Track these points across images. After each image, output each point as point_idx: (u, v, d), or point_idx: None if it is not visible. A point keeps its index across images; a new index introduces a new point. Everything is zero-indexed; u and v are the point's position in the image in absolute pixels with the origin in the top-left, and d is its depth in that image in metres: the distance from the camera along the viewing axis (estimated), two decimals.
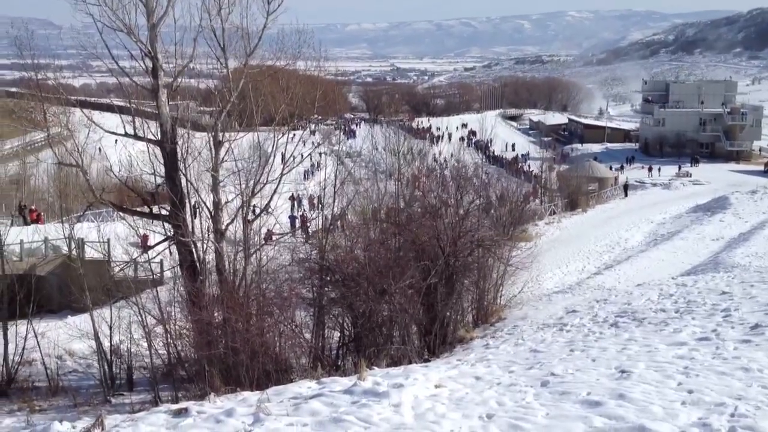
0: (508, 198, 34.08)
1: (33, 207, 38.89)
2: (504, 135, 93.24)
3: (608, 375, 8.19)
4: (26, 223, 35.00)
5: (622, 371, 8.24)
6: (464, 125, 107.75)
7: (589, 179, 57.71)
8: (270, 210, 18.06)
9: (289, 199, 46.09)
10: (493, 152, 79.69)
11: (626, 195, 57.94)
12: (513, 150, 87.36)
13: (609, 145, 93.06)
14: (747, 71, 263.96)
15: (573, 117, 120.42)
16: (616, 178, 63.30)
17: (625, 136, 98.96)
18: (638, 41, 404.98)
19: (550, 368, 9.10)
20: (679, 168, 69.95)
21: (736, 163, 78.48)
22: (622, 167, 72.95)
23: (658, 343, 10.18)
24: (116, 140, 26.49)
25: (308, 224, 32.15)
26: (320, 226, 18.82)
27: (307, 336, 15.60)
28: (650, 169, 69.96)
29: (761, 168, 73.04)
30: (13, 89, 54.91)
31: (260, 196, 17.52)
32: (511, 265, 20.65)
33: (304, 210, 46.33)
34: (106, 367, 17.24)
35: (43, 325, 19.72)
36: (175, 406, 8.70)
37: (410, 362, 13.11)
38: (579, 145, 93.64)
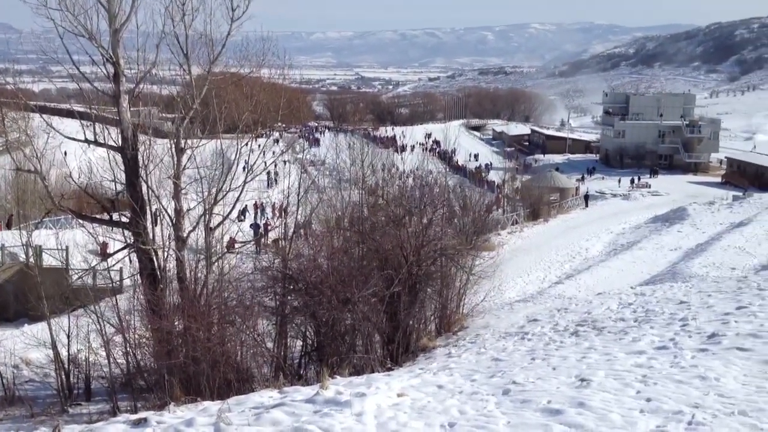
0: (471, 207, 34.27)
1: (12, 213, 38.13)
2: (467, 145, 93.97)
3: (568, 383, 8.27)
4: None
5: (582, 379, 8.32)
6: (428, 135, 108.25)
7: (551, 189, 58.40)
8: (233, 219, 17.94)
9: (253, 206, 45.83)
10: (457, 162, 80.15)
11: (587, 205, 58.76)
12: (476, 160, 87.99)
13: (570, 156, 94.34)
14: (705, 84, 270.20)
15: (535, 128, 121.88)
16: (577, 189, 64.13)
17: (586, 147, 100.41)
18: (600, 54, 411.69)
19: (511, 377, 9.17)
20: (638, 179, 71.09)
21: (694, 174, 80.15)
22: (583, 178, 73.92)
23: (617, 351, 10.32)
24: (65, 152, 26.09)
25: (270, 231, 32.01)
26: (283, 235, 18.73)
27: (270, 345, 15.49)
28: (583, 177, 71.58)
29: (718, 180, 74.71)
30: None
31: (223, 204, 17.38)
32: (474, 274, 20.75)
33: (267, 218, 46.11)
34: (63, 376, 16.89)
35: None
36: (134, 417, 8.56)
37: (373, 371, 13.10)
38: (541, 156, 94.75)
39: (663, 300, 15.89)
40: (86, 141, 16.57)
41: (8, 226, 36.55)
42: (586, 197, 60.25)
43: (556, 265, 35.62)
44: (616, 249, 39.28)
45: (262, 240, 33.99)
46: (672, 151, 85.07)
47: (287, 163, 53.80)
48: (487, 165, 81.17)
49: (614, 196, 64.31)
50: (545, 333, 14.11)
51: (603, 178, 74.81)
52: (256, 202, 44.50)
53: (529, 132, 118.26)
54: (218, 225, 17.24)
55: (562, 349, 11.56)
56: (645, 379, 8.15)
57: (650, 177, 74.05)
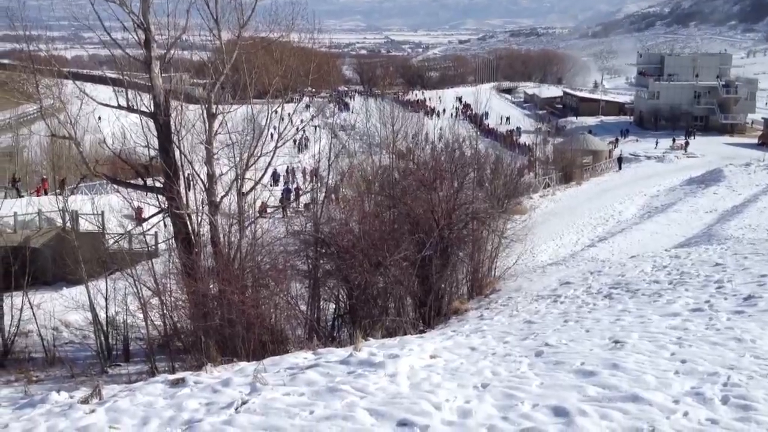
0: (502, 171, 34.05)
1: (45, 177, 38.71)
2: (498, 108, 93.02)
3: (602, 345, 8.25)
4: (19, 196, 34.90)
5: (616, 341, 8.29)
6: (459, 98, 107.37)
7: (584, 152, 57.67)
8: (265, 184, 18.04)
9: (285, 172, 46.01)
10: (488, 125, 79.47)
11: (620, 168, 57.97)
12: (507, 123, 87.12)
13: (604, 118, 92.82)
14: (742, 44, 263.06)
15: (568, 90, 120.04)
16: (610, 151, 63.25)
17: (619, 109, 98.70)
18: (634, 13, 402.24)
19: (544, 339, 9.17)
20: (674, 140, 69.93)
21: (730, 135, 78.38)
22: (616, 140, 72.84)
23: (651, 314, 10.26)
24: (99, 117, 26.23)
25: (301, 196, 32.17)
26: (315, 199, 18.82)
27: (303, 308, 15.66)
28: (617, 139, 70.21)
29: (755, 141, 73.01)
30: (5, 61, 54.30)
31: (254, 169, 17.49)
32: (506, 238, 20.70)
33: (298, 183, 46.28)
34: (102, 338, 17.32)
35: (38, 297, 19.76)
36: (172, 377, 8.73)
37: (405, 333, 13.18)
38: (574, 119, 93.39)
39: (698, 262, 15.72)
40: (119, 107, 16.73)
41: (13, 185, 37.10)
42: (620, 160, 59.41)
43: (589, 228, 35.33)
44: (650, 211, 38.82)
45: (294, 204, 34.21)
46: (707, 112, 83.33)
47: (317, 128, 53.87)
48: (518, 128, 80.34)
49: (648, 158, 63.31)
50: (578, 296, 14.05)
51: (637, 140, 73.58)
52: (287, 167, 44.62)
53: (561, 94, 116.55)
54: (250, 190, 17.37)
55: (596, 312, 11.52)
56: (680, 341, 8.10)
57: (686, 139, 72.72)
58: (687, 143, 67.22)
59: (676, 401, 5.86)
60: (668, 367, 6.95)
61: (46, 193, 34.31)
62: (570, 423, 5.47)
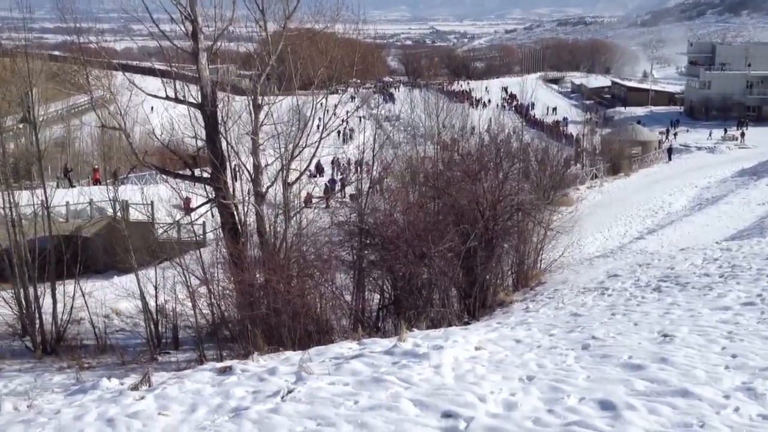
0: (548, 162, 33.70)
1: (96, 167, 39.51)
2: (545, 98, 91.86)
3: (650, 339, 8.12)
4: (71, 186, 35.68)
5: (665, 335, 8.15)
6: (504, 89, 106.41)
7: (632, 143, 56.63)
8: (310, 174, 18.14)
9: (331, 163, 46.20)
10: (534, 116, 78.62)
11: (670, 159, 56.87)
12: (554, 113, 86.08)
13: (653, 108, 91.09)
14: None
15: (616, 80, 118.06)
16: (659, 142, 62.05)
17: (669, 99, 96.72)
18: (684, 2, 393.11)
19: (591, 332, 9.06)
20: (725, 131, 68.32)
21: None
22: (667, 131, 71.43)
23: (701, 307, 10.06)
24: (152, 107, 26.53)
25: (346, 187, 32.29)
26: (359, 190, 18.86)
27: (348, 298, 15.74)
28: (667, 131, 68.65)
29: None
30: (57, 53, 55.49)
31: (299, 160, 17.61)
32: (552, 229, 20.49)
33: (343, 174, 46.43)
34: (152, 326, 17.64)
35: (89, 285, 20.19)
36: (219, 365, 8.86)
37: (450, 325, 13.16)
38: (622, 109, 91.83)
39: (750, 255, 15.33)
40: (167, 98, 16.97)
41: (65, 175, 37.84)
42: (670, 150, 58.24)
43: (637, 220, 34.74)
44: (700, 203, 38.01)
45: (338, 195, 34.34)
46: (760, 102, 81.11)
47: (362, 119, 53.97)
48: (565, 118, 79.29)
49: (699, 149, 61.96)
50: (626, 288, 13.84)
51: (687, 130, 72.03)
52: (332, 158, 44.82)
53: (609, 84, 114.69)
54: (295, 180, 17.49)
55: (644, 305, 11.34)
56: (730, 335, 7.93)
57: (737, 129, 70.92)
58: (743, 134, 65.46)
59: (727, 396, 5.74)
60: (718, 362, 6.81)
61: (97, 183, 35.01)
62: (617, 417, 5.39)
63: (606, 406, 5.68)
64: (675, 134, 69.20)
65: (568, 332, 9.36)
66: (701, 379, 6.19)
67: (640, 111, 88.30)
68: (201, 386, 7.59)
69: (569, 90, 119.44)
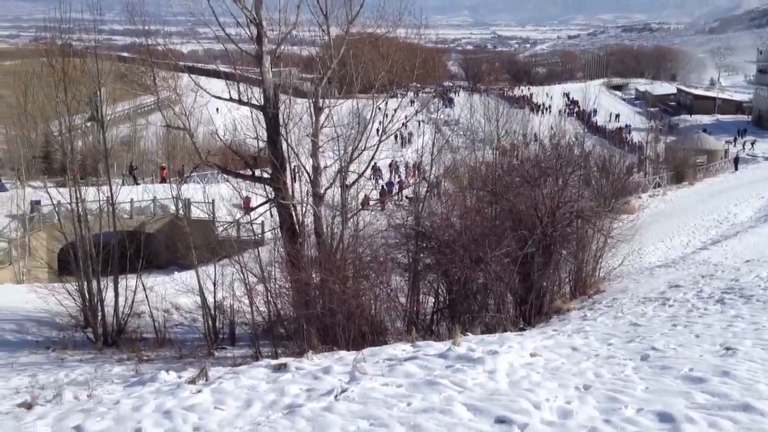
0: (610, 169, 33.12)
1: (163, 165, 40.50)
2: (608, 105, 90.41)
3: (712, 351, 7.91)
4: (136, 183, 36.62)
5: (727, 348, 7.93)
6: (566, 94, 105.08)
7: (698, 151, 55.31)
8: (368, 177, 18.21)
9: (389, 166, 46.34)
10: (596, 122, 77.43)
11: (736, 169, 55.32)
12: (617, 120, 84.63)
13: (720, 116, 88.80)
14: None
15: (682, 87, 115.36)
16: (726, 151, 60.41)
17: (737, 107, 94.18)
18: (754, 9, 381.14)
19: (650, 342, 8.86)
20: None
21: None
22: (735, 140, 69.51)
23: (766, 321, 9.75)
24: (216, 108, 26.93)
25: (404, 190, 32.33)
26: (417, 193, 18.86)
27: (402, 300, 15.74)
28: (744, 144, 66.77)
29: None
30: (125, 54, 57.05)
31: (358, 162, 17.71)
32: (612, 237, 20.14)
33: (401, 177, 46.51)
34: (210, 321, 17.96)
35: (151, 280, 20.67)
36: (275, 362, 8.96)
37: (505, 330, 13.04)
38: (688, 116, 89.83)
39: None
40: (231, 99, 17.25)
41: (130, 173, 38.75)
42: (736, 160, 56.68)
43: (701, 230, 33.84)
44: (767, 215, 36.84)
45: (395, 198, 34.42)
46: None
47: (421, 122, 53.96)
48: (628, 125, 77.86)
49: (766, 159, 60.13)
50: (688, 300, 13.51)
51: (755, 140, 69.94)
52: (391, 161, 44.95)
53: (675, 91, 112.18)
54: (354, 182, 17.59)
55: (706, 317, 11.05)
56: None
57: None
58: None
59: None
60: None
61: (163, 181, 35.84)
62: (676, 430, 5.27)
63: (665, 418, 5.55)
64: (753, 143, 67.06)
65: (627, 342, 9.18)
66: (764, 394, 6.00)
67: (706, 119, 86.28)
68: (256, 382, 7.69)
69: (633, 97, 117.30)
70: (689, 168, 51.57)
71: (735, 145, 65.61)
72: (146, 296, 19.30)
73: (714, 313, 11.44)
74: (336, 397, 6.80)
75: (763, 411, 5.52)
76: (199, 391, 7.40)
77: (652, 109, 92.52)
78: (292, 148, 17.41)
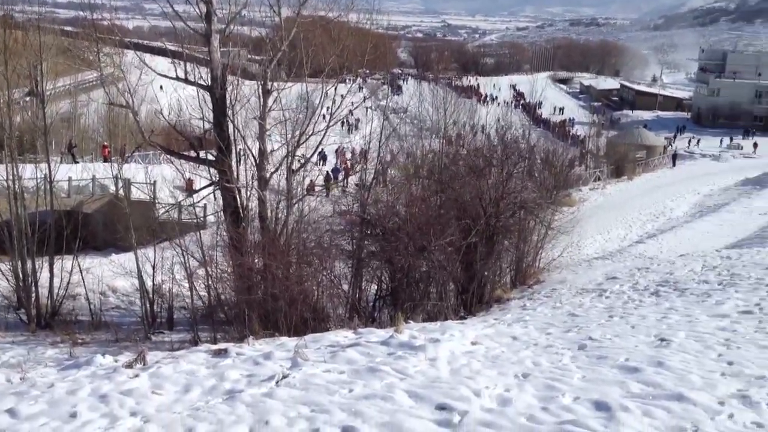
0: (553, 161, 33.67)
1: (105, 144, 39.41)
2: (553, 98, 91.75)
3: (647, 342, 8.12)
4: (75, 161, 35.65)
5: (662, 339, 8.16)
6: (513, 86, 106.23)
7: (638, 147, 56.58)
8: (314, 162, 18.08)
9: (334, 152, 46.14)
10: (541, 115, 78.51)
11: (674, 165, 56.83)
12: (561, 113, 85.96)
13: (660, 113, 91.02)
14: None
15: (625, 83, 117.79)
16: (665, 147, 61.97)
17: (677, 104, 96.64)
18: (698, 8, 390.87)
19: (588, 332, 9.06)
20: (730, 140, 68.23)
21: None
22: (675, 137, 71.34)
23: (699, 314, 10.06)
24: (161, 86, 26.42)
25: (349, 176, 32.25)
26: (363, 180, 18.84)
27: (345, 287, 15.74)
28: (689, 141, 68.69)
29: None
30: (68, 28, 55.29)
31: (305, 147, 17.58)
32: (552, 229, 20.50)
33: (347, 163, 46.37)
34: (147, 305, 17.68)
35: (87, 261, 20.23)
36: (214, 347, 8.88)
37: (446, 319, 13.17)
38: (629, 112, 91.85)
39: (750, 264, 15.35)
40: (177, 79, 16.91)
41: (69, 150, 37.77)
42: (674, 156, 58.23)
43: (638, 224, 34.74)
44: (702, 210, 37.98)
45: (341, 185, 34.31)
46: None
47: (369, 109, 53.87)
48: (571, 119, 79.18)
49: (704, 156, 61.95)
50: (624, 291, 13.86)
51: (693, 137, 71.95)
52: (337, 147, 44.75)
53: (618, 87, 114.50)
54: (300, 167, 17.47)
55: (642, 309, 11.35)
56: (727, 342, 7.94)
57: (743, 138, 70.80)
58: (756, 144, 65.12)
59: (722, 403, 5.73)
60: (714, 368, 6.81)
61: (105, 160, 34.98)
62: (611, 418, 5.39)
63: (601, 406, 5.68)
64: (698, 142, 68.69)
65: (565, 332, 9.37)
66: (697, 385, 6.19)
67: (647, 115, 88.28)
68: (195, 367, 7.60)
69: (578, 91, 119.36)
70: (629, 163, 52.71)
71: (673, 143, 67.29)
72: (82, 278, 18.88)
73: (649, 305, 11.76)
74: (277, 383, 6.76)
75: (696, 401, 5.70)
76: (137, 376, 7.27)
77: (596, 104, 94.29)
78: (238, 131, 17.17)
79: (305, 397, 6.28)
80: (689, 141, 69.08)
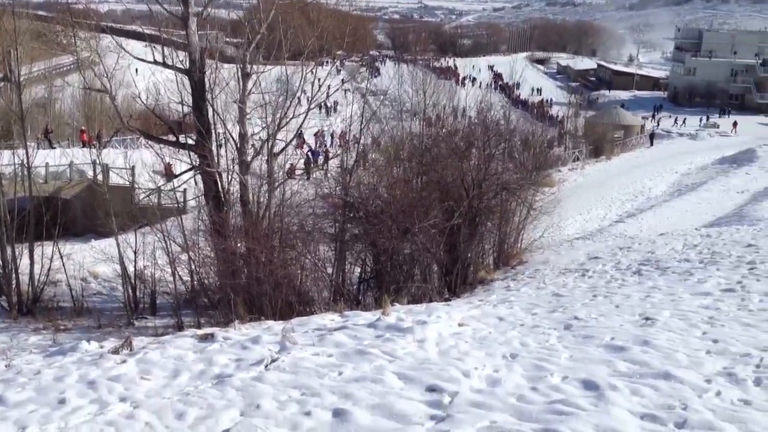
0: (532, 142, 33.74)
1: (83, 128, 38.90)
2: (531, 79, 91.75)
3: (632, 321, 8.20)
4: (51, 147, 35.23)
5: (647, 318, 8.23)
6: (490, 67, 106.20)
7: (615, 126, 56.94)
8: (295, 145, 17.98)
9: (314, 135, 45.94)
10: (519, 95, 78.62)
11: (652, 144, 57.27)
12: (539, 94, 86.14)
13: (637, 92, 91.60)
14: None
15: (602, 62, 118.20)
16: (642, 127, 62.39)
17: (654, 84, 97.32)
18: None
19: (573, 312, 9.13)
20: (707, 118, 68.81)
21: (765, 116, 76.90)
22: (653, 116, 71.79)
23: (682, 292, 10.16)
24: (136, 69, 26.10)
25: (330, 159, 32.10)
26: (344, 163, 18.77)
27: (329, 270, 15.72)
28: (676, 120, 68.95)
29: None
30: (42, 12, 54.30)
31: (286, 130, 17.47)
32: (534, 209, 20.59)
33: (326, 146, 46.20)
34: (130, 290, 17.57)
35: (68, 247, 20.02)
36: (200, 332, 8.82)
37: (430, 301, 13.22)
38: (607, 92, 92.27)
39: (730, 242, 15.53)
40: (155, 62, 16.70)
41: (45, 136, 37.35)
42: (652, 136, 58.68)
43: (617, 203, 35.05)
44: (680, 189, 38.40)
45: (322, 167, 34.17)
46: (744, 90, 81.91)
47: (347, 92, 53.63)
48: (549, 99, 79.40)
49: (681, 135, 62.48)
50: (607, 271, 13.98)
51: (670, 116, 72.50)
52: (317, 130, 44.54)
53: (595, 67, 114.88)
54: (281, 151, 17.36)
55: (625, 288, 11.45)
56: (711, 320, 8.03)
57: (719, 117, 71.46)
58: (735, 123, 65.57)
59: (708, 380, 5.81)
60: (700, 346, 6.89)
61: (84, 145, 34.57)
62: (601, 397, 5.45)
63: (589, 386, 5.74)
64: (684, 121, 68.89)
65: (550, 312, 9.43)
66: (683, 363, 6.27)
67: (624, 95, 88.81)
68: (183, 352, 7.56)
69: (555, 71, 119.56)
70: (607, 143, 53.07)
71: (653, 122, 67.67)
72: (63, 264, 18.71)
73: (632, 284, 11.87)
74: (266, 366, 6.76)
75: (683, 379, 5.76)
76: (124, 362, 7.23)
77: (573, 84, 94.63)
78: (218, 114, 17.02)
79: (295, 380, 6.29)
80: (675, 120, 69.40)
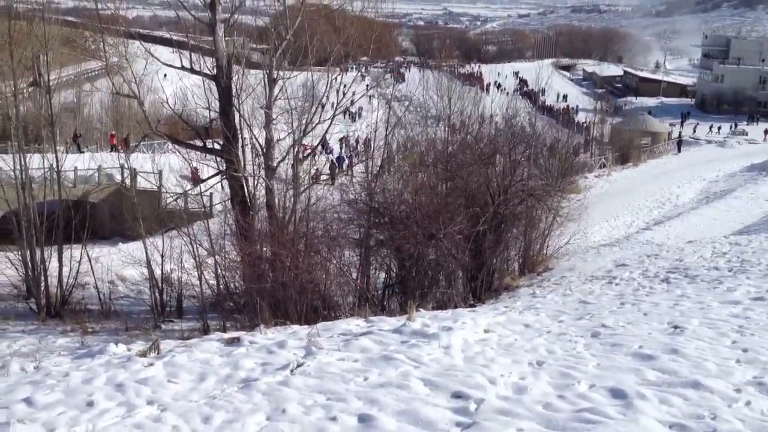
0: (558, 149, 33.58)
1: (113, 132, 39.37)
2: (556, 85, 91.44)
3: (660, 330, 8.11)
4: (80, 151, 35.69)
5: (675, 327, 8.14)
6: (515, 73, 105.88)
7: (642, 133, 56.46)
8: (321, 151, 18.04)
9: (339, 141, 46.08)
10: (544, 102, 78.25)
11: (679, 151, 56.68)
12: (565, 100, 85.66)
13: (664, 99, 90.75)
14: None
15: (629, 69, 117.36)
16: (669, 134, 61.78)
17: (681, 91, 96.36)
18: None
19: (600, 320, 9.06)
20: (735, 125, 67.93)
21: None
22: (682, 123, 71.07)
23: (711, 300, 10.04)
24: (164, 75, 26.39)
25: (355, 166, 32.18)
26: (370, 169, 18.80)
27: (354, 276, 15.72)
28: (711, 127, 68.14)
29: None
30: (71, 18, 55.10)
31: (311, 136, 17.54)
32: (561, 216, 20.46)
33: (351, 152, 46.32)
34: (156, 294, 17.70)
35: (96, 251, 20.22)
36: (227, 335, 8.86)
37: (455, 307, 13.17)
38: (633, 99, 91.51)
39: (759, 251, 15.32)
40: (183, 68, 16.85)
41: (74, 140, 37.80)
42: (679, 142, 58.06)
43: (644, 210, 34.67)
44: (708, 197, 37.90)
45: (346, 173, 34.27)
46: None
47: (372, 98, 53.72)
48: (576, 106, 78.94)
49: (709, 142, 61.77)
50: (634, 278, 13.84)
51: (698, 123, 71.70)
52: (342, 136, 44.68)
53: (621, 73, 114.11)
54: (307, 156, 17.44)
55: (653, 296, 11.33)
56: (741, 329, 7.93)
57: (747, 124, 70.53)
58: (767, 130, 64.46)
59: (738, 390, 5.73)
60: (729, 355, 6.81)
61: (113, 149, 34.98)
62: (629, 406, 5.39)
63: (617, 394, 5.68)
64: (719, 129, 67.70)
65: (577, 319, 9.36)
66: (712, 372, 6.19)
67: (651, 102, 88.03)
68: (209, 356, 7.60)
69: (581, 78, 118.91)
70: (634, 149, 52.60)
71: (681, 129, 66.93)
72: (91, 267, 18.90)
73: (660, 292, 11.74)
74: (292, 371, 6.77)
75: (712, 388, 5.69)
76: (151, 364, 7.27)
77: (599, 91, 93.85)
78: (244, 120, 17.13)
79: (321, 385, 6.29)
80: (710, 127, 68.46)
